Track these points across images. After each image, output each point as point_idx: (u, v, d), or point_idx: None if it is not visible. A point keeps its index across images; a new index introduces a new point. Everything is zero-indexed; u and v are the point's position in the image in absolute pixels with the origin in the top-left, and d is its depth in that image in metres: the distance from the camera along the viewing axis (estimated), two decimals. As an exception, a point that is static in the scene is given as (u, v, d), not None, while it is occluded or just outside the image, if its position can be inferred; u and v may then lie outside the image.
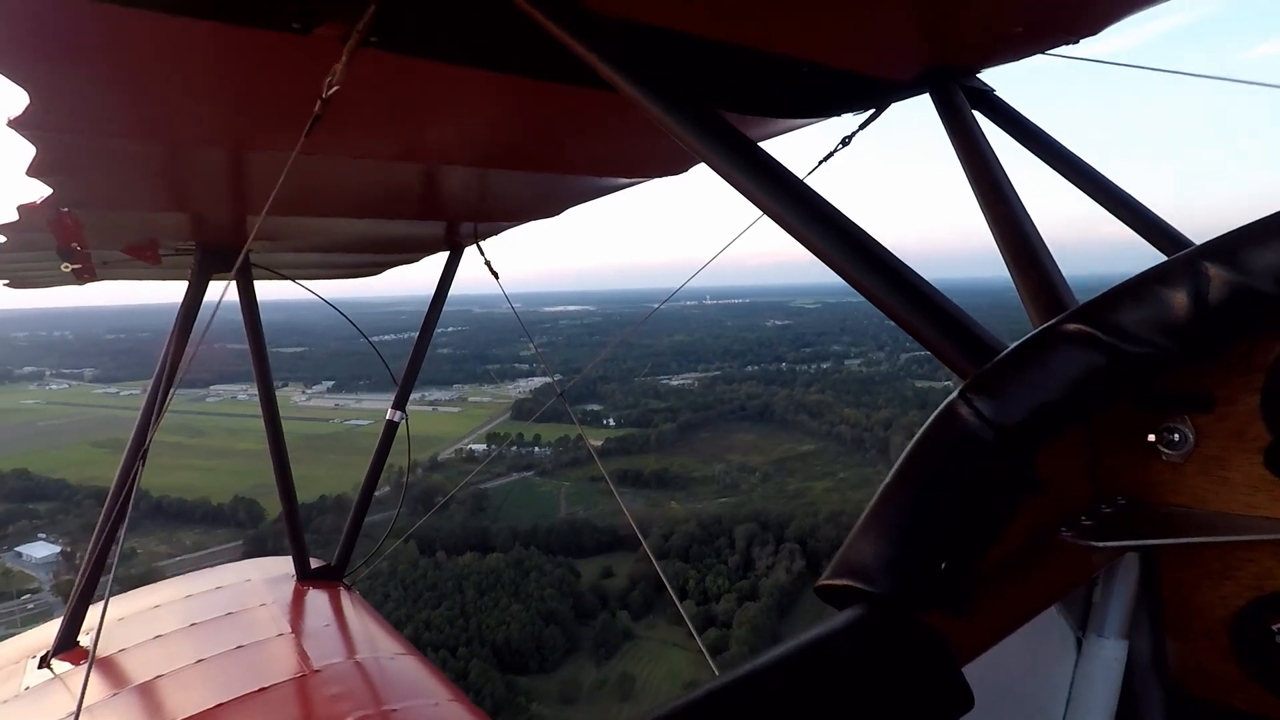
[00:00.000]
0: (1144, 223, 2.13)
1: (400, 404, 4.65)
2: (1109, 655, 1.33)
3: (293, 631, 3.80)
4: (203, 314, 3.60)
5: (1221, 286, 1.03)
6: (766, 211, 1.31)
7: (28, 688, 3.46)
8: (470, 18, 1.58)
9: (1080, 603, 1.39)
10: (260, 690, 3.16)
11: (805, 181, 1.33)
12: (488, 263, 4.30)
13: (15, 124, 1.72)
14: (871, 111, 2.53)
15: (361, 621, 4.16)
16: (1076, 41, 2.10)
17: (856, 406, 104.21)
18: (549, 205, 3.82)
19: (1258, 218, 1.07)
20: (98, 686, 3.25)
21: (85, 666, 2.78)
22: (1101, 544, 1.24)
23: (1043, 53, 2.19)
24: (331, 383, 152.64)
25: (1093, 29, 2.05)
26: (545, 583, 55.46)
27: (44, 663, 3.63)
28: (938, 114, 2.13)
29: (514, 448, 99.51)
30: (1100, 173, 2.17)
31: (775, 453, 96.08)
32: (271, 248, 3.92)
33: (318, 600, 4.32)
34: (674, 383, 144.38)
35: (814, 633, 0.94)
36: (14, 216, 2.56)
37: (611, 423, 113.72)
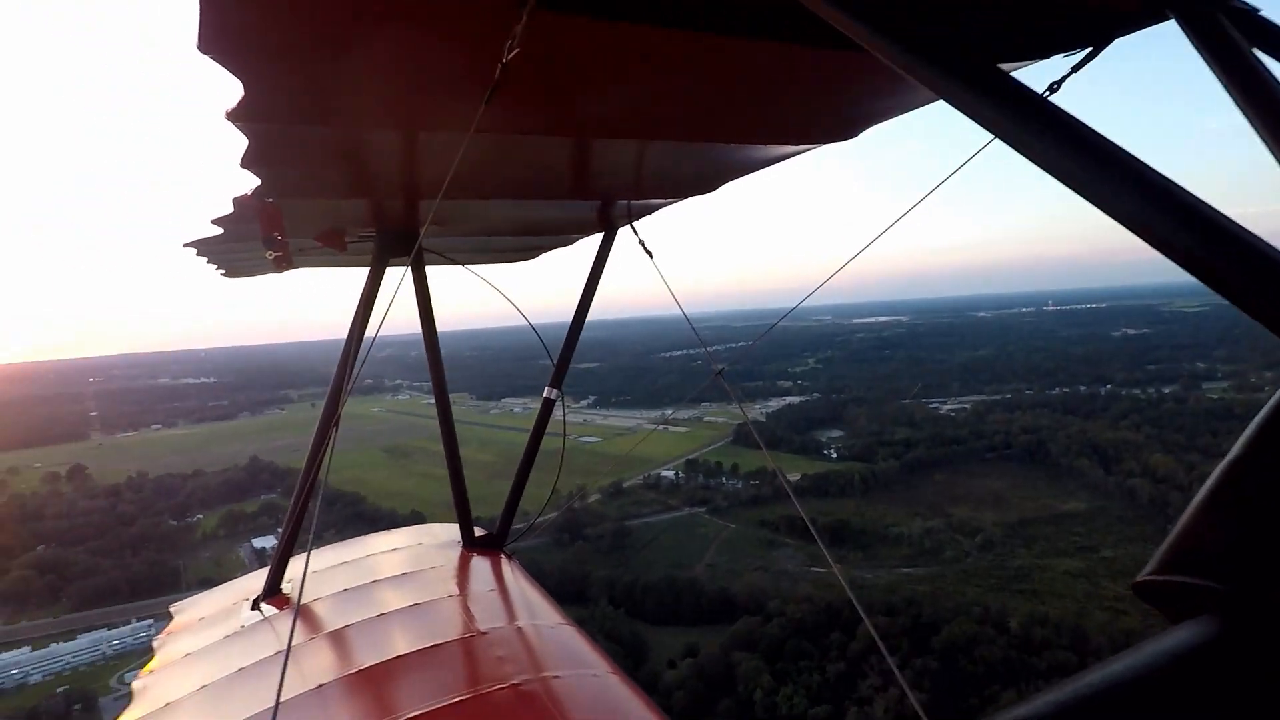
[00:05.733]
0: None
1: (557, 382, 4.66)
2: None
3: (460, 594, 4.05)
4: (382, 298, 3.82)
5: None
6: (1063, 179, 1.11)
7: (243, 626, 3.94)
8: None
9: None
10: (434, 646, 3.38)
11: (1105, 137, 1.10)
12: (641, 242, 4.08)
13: (231, 116, 1.76)
14: (1089, 50, 2.10)
15: (521, 589, 4.24)
16: None
17: (1182, 451, 72.06)
18: (706, 180, 3.59)
19: None
20: (299, 630, 3.60)
21: (291, 613, 3.50)
22: None
23: None
24: (595, 397, 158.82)
25: None
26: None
27: (255, 605, 4.13)
28: (1193, 45, 1.68)
29: (700, 476, 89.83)
30: None
31: (1023, 509, 70.66)
32: (440, 232, 3.99)
33: (481, 566, 4.53)
34: (946, 408, 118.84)
35: (1154, 648, 0.76)
36: (230, 208, 2.75)
37: (833, 454, 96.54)
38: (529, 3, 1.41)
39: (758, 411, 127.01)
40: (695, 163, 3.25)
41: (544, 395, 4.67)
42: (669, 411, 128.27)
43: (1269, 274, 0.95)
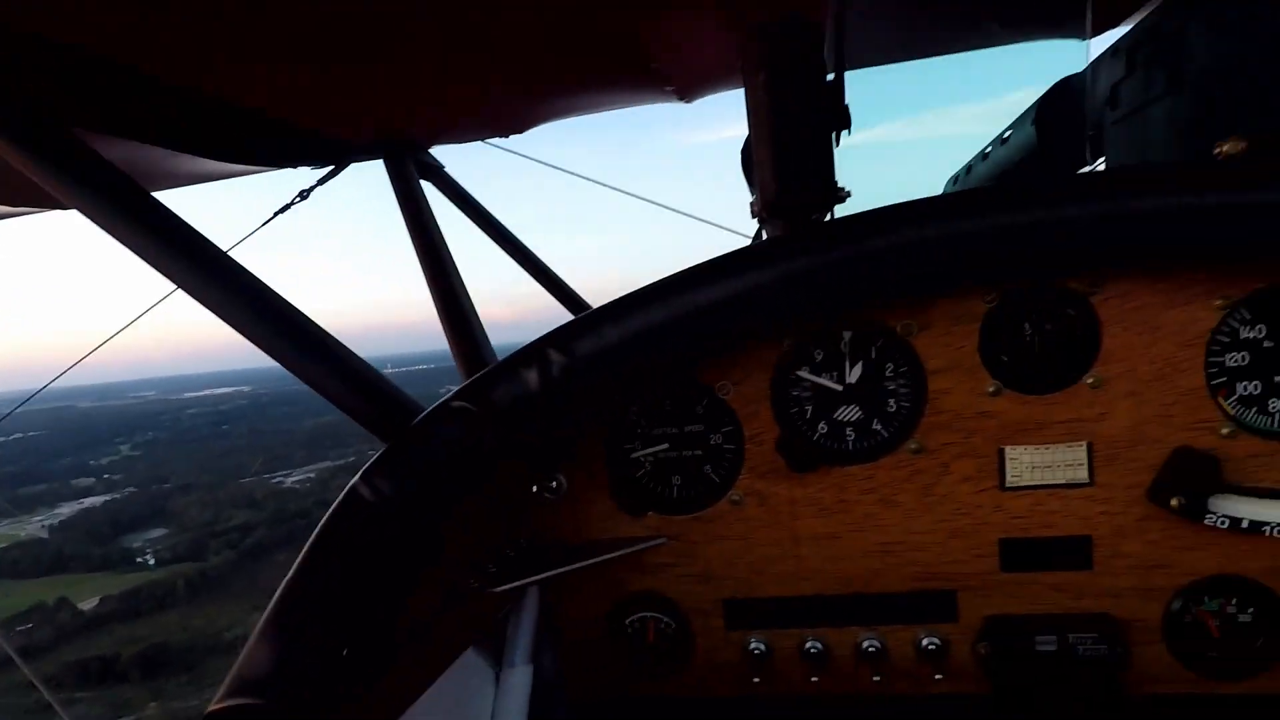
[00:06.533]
0: (558, 288, 2.80)
1: None
2: (518, 682, 1.49)
3: None
4: None
5: (559, 367, 1.31)
6: (182, 284, 1.24)
7: None
8: None
9: (496, 638, 1.59)
10: None
11: (205, 237, 1.25)
12: None
13: None
14: (331, 168, 2.63)
15: None
16: (508, 136, 2.56)
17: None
18: None
19: (580, 315, 1.37)
20: None
21: None
22: (500, 588, 1.51)
23: (483, 140, 2.61)
24: None
25: (521, 128, 2.54)
26: None
27: None
28: (389, 180, 2.41)
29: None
30: (526, 245, 2.75)
31: (370, 572, 71.31)
32: None
33: None
34: (291, 480, 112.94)
35: None
36: None
37: (151, 560, 79.79)
38: None
39: (38, 526, 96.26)
40: None
41: None
42: None
43: (377, 396, 1.30)
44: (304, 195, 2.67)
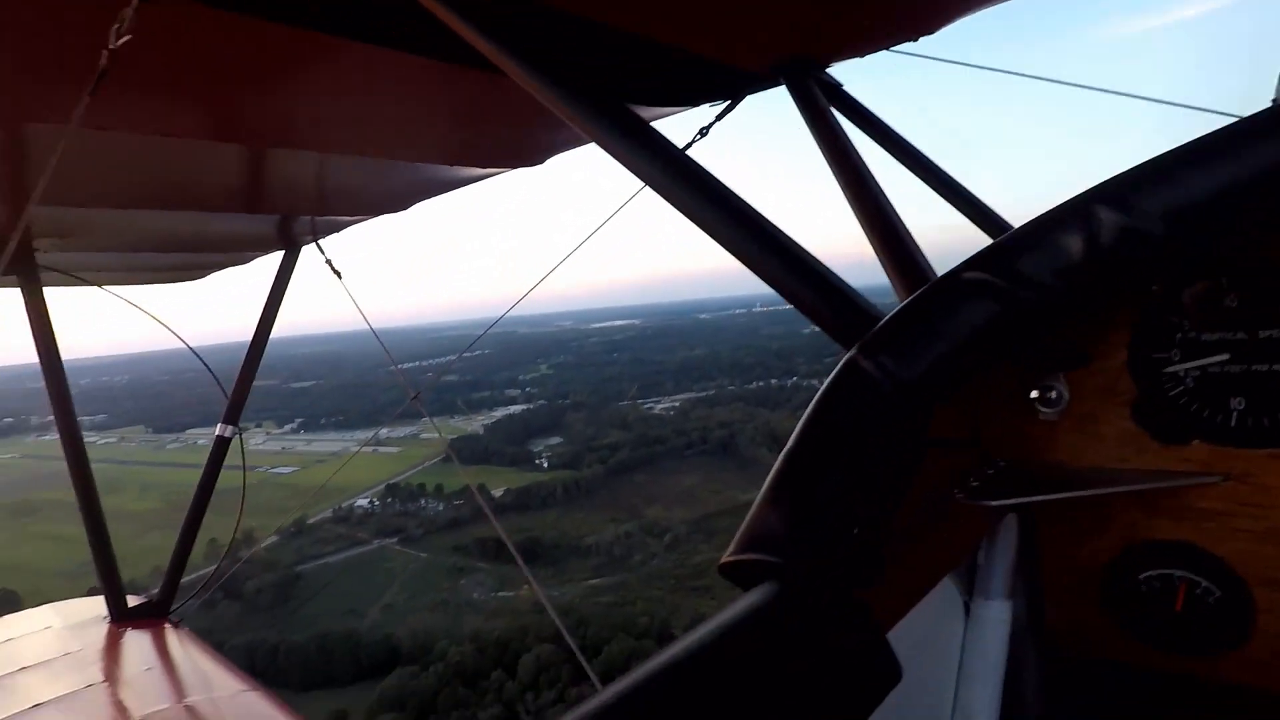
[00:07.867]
0: (978, 213, 2.34)
1: (232, 418, 4.11)
2: (995, 617, 1.33)
3: (106, 680, 3.37)
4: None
5: (1112, 229, 0.97)
6: (663, 194, 1.27)
7: None
8: None
9: (967, 566, 1.39)
10: None
11: (693, 159, 1.28)
12: (329, 261, 3.93)
13: None
14: (728, 103, 2.60)
15: (193, 661, 3.68)
16: (917, 39, 2.27)
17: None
18: (396, 199, 3.50)
19: (1142, 161, 1.01)
20: None
21: None
22: (994, 503, 1.25)
23: (888, 49, 2.35)
24: (301, 420, 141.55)
25: (932, 28, 2.19)
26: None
27: None
28: (795, 105, 2.26)
29: (398, 503, 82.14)
30: (938, 165, 2.37)
31: (711, 503, 73.80)
32: (63, 245, 3.52)
33: (138, 642, 3.79)
34: (659, 407, 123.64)
35: (726, 615, 0.87)
36: None
37: (544, 464, 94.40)
38: None
39: (479, 424, 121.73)
40: (383, 181, 3.08)
41: (216, 433, 4.06)
42: (383, 432, 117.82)
43: (836, 297, 1.12)
44: (703, 132, 2.68)
